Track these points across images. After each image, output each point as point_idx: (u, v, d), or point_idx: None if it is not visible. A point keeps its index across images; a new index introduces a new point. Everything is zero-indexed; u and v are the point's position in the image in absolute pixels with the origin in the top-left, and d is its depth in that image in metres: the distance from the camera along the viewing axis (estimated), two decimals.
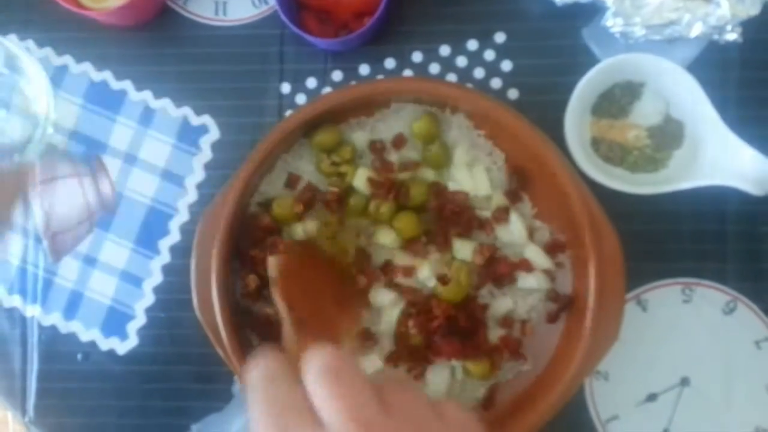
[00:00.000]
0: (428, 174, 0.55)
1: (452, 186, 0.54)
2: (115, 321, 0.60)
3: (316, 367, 0.31)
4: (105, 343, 0.60)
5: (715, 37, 0.53)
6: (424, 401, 0.32)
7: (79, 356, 0.60)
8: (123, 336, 0.60)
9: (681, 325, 0.56)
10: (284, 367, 0.33)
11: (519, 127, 0.52)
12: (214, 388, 0.59)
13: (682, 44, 0.55)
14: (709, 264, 0.57)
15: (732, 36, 0.53)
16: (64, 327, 0.60)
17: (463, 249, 0.53)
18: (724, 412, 0.56)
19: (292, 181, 0.55)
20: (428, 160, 0.54)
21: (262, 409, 0.31)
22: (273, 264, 0.47)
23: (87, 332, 0.60)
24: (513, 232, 0.53)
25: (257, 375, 0.32)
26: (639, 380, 0.56)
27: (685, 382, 0.56)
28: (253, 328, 0.55)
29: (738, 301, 0.56)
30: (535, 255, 0.53)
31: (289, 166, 0.55)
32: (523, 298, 0.54)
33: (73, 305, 0.60)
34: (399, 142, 0.55)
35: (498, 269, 0.53)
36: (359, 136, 0.55)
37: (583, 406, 0.56)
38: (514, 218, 0.53)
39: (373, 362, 0.53)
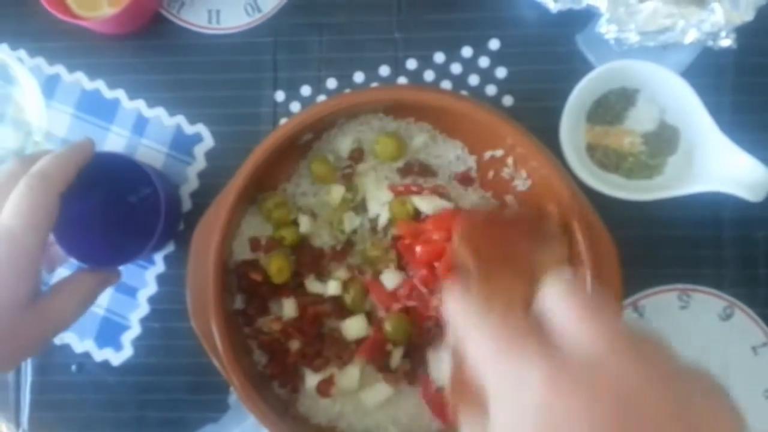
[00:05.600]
0: None
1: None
2: (109, 331, 0.60)
3: (559, 289, 0.29)
4: (99, 354, 0.60)
5: (710, 43, 0.53)
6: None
7: (74, 367, 0.60)
8: (117, 347, 0.60)
9: (678, 331, 0.56)
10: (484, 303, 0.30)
11: (514, 134, 0.52)
12: (210, 398, 0.58)
13: (677, 50, 0.55)
14: (706, 270, 0.56)
15: (726, 42, 0.53)
16: (58, 338, 0.60)
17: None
18: None
19: (253, 245, 0.55)
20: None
21: (477, 337, 0.29)
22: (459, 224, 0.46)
23: (81, 343, 0.60)
24: None
25: (461, 308, 0.30)
26: None
27: None
28: (254, 337, 0.55)
29: (735, 307, 0.56)
30: None
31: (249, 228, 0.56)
32: None
33: None
34: (357, 156, 0.55)
35: None
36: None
37: None
38: None
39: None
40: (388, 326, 0.52)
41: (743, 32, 0.52)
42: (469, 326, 0.30)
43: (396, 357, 0.53)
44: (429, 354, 0.52)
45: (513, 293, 0.33)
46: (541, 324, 0.29)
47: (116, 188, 0.56)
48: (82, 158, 0.49)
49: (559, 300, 0.29)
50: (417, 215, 0.53)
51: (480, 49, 0.58)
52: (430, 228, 0.52)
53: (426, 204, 0.52)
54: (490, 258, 0.42)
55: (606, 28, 0.54)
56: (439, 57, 0.59)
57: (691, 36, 0.53)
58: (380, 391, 0.53)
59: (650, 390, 0.26)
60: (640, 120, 0.56)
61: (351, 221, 0.54)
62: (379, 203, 0.53)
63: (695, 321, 0.56)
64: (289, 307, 0.53)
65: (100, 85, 0.61)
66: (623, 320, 0.28)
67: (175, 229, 0.58)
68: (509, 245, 0.46)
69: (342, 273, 0.54)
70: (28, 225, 0.45)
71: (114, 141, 0.60)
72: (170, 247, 0.59)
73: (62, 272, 0.59)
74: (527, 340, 0.28)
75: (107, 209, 0.57)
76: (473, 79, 0.58)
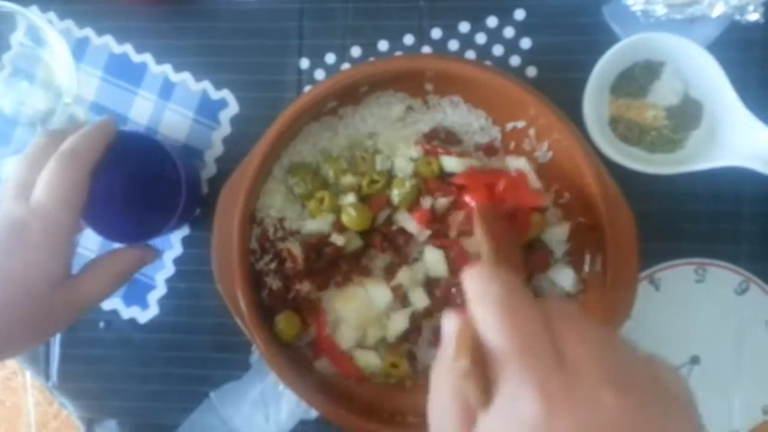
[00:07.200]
0: None
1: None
2: (136, 290, 0.62)
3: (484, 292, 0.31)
4: (126, 312, 0.62)
5: (737, 17, 0.53)
6: (605, 347, 0.30)
7: (102, 324, 0.62)
8: (144, 305, 0.62)
9: (693, 305, 0.57)
10: None
11: (537, 105, 0.52)
12: (233, 357, 0.60)
13: (704, 24, 0.55)
14: (723, 245, 0.57)
15: (754, 16, 0.52)
16: None
17: None
18: (734, 390, 0.57)
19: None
20: None
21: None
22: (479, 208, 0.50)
23: (109, 301, 0.62)
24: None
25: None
26: None
27: (695, 360, 0.57)
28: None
29: (751, 282, 0.57)
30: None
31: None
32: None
33: None
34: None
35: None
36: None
37: None
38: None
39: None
40: None
41: None
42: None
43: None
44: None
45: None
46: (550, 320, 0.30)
47: (138, 166, 0.57)
48: (107, 136, 0.50)
49: (482, 304, 0.30)
50: (441, 176, 0.54)
51: (505, 19, 0.58)
52: (461, 183, 0.52)
53: (455, 163, 0.53)
54: (502, 244, 0.44)
55: (633, 0, 0.53)
56: (464, 26, 0.59)
57: (719, 9, 0.53)
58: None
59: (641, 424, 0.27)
60: (664, 94, 0.56)
61: (382, 163, 0.55)
62: (406, 160, 0.54)
63: (710, 295, 0.57)
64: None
65: (128, 48, 0.62)
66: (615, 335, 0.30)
67: (196, 206, 0.60)
68: (514, 238, 0.50)
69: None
70: (62, 202, 0.46)
71: (141, 105, 0.61)
72: (196, 211, 0.61)
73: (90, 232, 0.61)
74: (541, 345, 0.29)
75: (130, 187, 0.58)
76: (497, 50, 0.59)
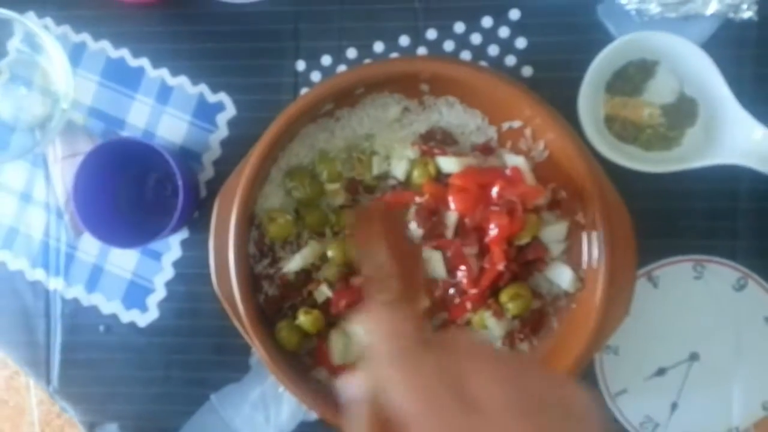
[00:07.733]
0: None
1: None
2: (135, 294, 0.62)
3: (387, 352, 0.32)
4: (126, 316, 0.62)
5: (731, 15, 0.53)
6: (514, 380, 0.30)
7: (102, 328, 0.62)
8: (143, 309, 0.62)
9: (691, 301, 0.57)
10: None
11: (532, 105, 0.52)
12: (232, 359, 0.60)
13: (698, 22, 0.55)
14: (721, 241, 0.57)
15: (748, 14, 0.53)
16: (86, 300, 0.62)
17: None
18: (733, 386, 0.57)
19: None
20: None
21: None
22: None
23: (108, 305, 0.62)
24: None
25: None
26: (649, 355, 0.57)
27: (694, 357, 0.57)
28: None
29: (749, 278, 0.57)
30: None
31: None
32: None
33: (94, 278, 0.62)
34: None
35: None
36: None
37: (592, 379, 0.57)
38: None
39: None
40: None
41: (765, 4, 0.52)
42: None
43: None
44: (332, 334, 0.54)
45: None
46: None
47: (136, 171, 0.58)
48: None
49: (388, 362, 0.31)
50: (438, 177, 0.54)
51: (500, 18, 0.59)
52: (458, 184, 0.53)
53: (452, 163, 0.53)
54: (393, 250, 0.40)
55: None
56: (459, 27, 0.59)
57: (713, 7, 0.53)
58: None
59: None
60: (660, 92, 0.56)
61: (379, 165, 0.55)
62: (403, 161, 0.54)
63: (709, 291, 0.57)
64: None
65: (124, 53, 0.62)
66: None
67: (194, 209, 0.60)
68: (400, 238, 0.48)
69: None
70: None
71: (138, 109, 0.61)
72: (194, 214, 0.61)
73: (89, 239, 0.61)
74: (443, 399, 0.29)
75: (128, 192, 0.59)
76: (493, 50, 0.59)
